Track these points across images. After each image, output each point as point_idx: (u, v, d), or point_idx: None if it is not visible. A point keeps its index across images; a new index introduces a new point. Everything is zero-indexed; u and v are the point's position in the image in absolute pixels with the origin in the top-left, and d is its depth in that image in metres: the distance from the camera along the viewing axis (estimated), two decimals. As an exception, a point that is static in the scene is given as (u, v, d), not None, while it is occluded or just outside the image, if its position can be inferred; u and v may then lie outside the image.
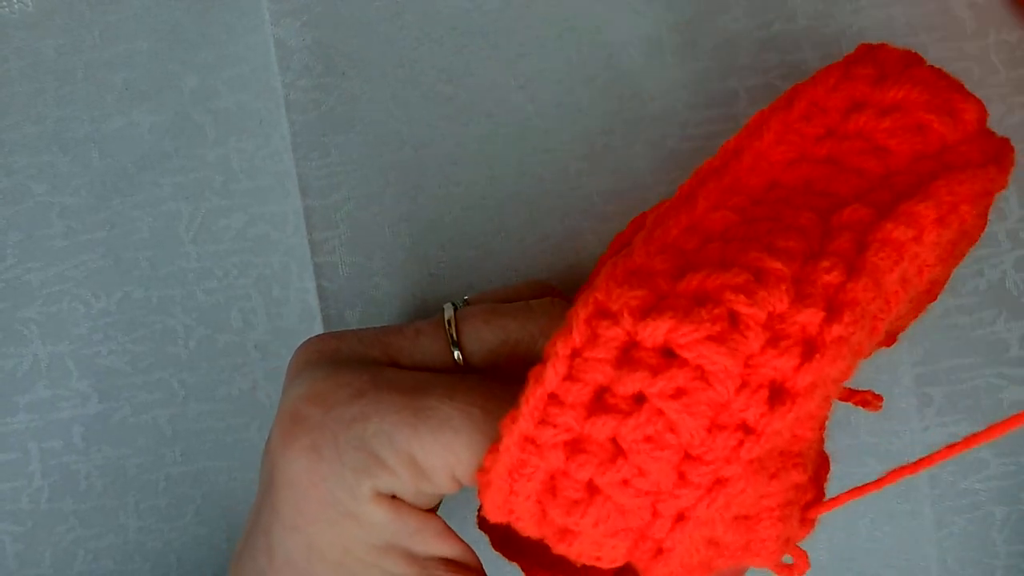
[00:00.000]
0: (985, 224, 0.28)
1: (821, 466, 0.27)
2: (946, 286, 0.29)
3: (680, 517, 0.23)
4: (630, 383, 0.22)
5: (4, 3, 0.36)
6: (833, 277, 0.22)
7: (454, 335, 0.27)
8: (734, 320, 0.21)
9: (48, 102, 0.36)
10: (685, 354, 0.21)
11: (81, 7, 0.36)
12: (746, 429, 0.21)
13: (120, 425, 0.36)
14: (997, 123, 0.34)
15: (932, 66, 0.27)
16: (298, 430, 0.25)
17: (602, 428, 0.22)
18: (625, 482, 0.22)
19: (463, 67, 0.35)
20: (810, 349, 0.21)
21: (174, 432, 0.36)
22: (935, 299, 0.29)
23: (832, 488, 0.29)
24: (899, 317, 0.27)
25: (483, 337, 0.27)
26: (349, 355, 0.27)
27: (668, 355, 0.22)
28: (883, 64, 0.26)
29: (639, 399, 0.22)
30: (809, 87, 0.26)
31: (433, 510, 0.27)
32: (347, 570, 0.25)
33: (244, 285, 0.35)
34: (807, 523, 0.25)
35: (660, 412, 0.21)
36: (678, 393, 0.21)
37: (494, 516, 0.24)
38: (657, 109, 0.34)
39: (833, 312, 0.21)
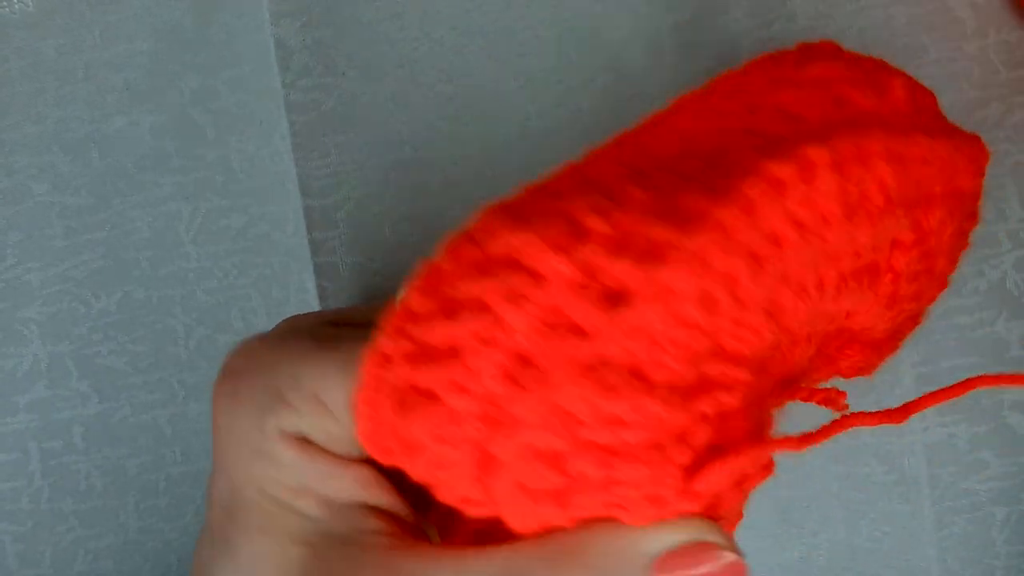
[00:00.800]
0: (964, 238, 0.27)
1: (760, 427, 0.24)
2: (947, 286, 0.29)
3: (513, 423, 0.22)
4: (475, 290, 0.22)
5: (4, 3, 0.36)
6: (696, 200, 0.21)
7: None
8: (578, 230, 0.21)
9: (48, 102, 0.36)
10: (525, 260, 0.21)
11: (81, 7, 0.36)
12: (579, 332, 0.21)
13: (120, 425, 0.36)
14: (997, 123, 0.34)
15: (863, 54, 0.27)
16: (224, 380, 0.25)
17: (443, 333, 0.22)
18: (460, 387, 0.22)
19: (463, 67, 0.35)
20: (654, 257, 0.21)
21: (174, 432, 0.36)
22: (917, 323, 0.29)
23: (831, 485, 0.29)
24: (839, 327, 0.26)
25: None
26: (303, 321, 0.27)
27: (513, 263, 0.22)
28: (810, 50, 0.26)
29: (481, 305, 0.22)
30: (733, 72, 0.26)
31: (370, 461, 0.26)
32: (263, 511, 0.24)
33: (244, 285, 0.35)
34: (689, 494, 0.22)
35: (496, 315, 0.21)
36: (511, 294, 0.21)
37: (375, 453, 0.23)
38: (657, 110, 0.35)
39: (687, 226, 0.21)
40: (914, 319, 0.29)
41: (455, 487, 0.24)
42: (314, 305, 0.35)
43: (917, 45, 0.34)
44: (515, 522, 0.24)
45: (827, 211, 0.22)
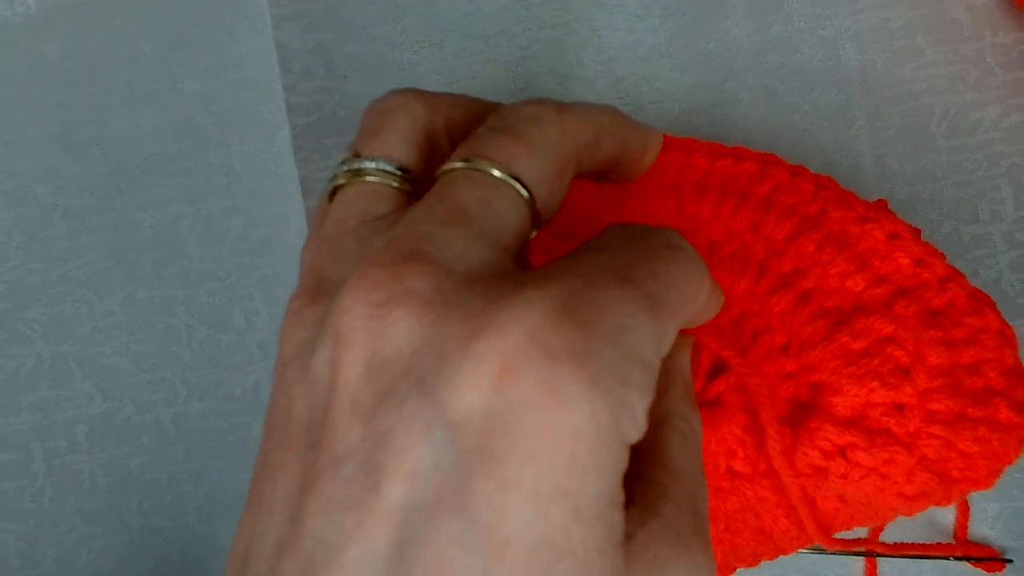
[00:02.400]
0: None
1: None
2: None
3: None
4: None
5: (8, 6, 0.36)
6: None
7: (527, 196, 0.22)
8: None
9: (52, 104, 0.36)
10: None
11: (84, 11, 0.36)
12: None
13: (123, 425, 0.36)
14: (993, 125, 0.34)
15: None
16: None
17: None
18: None
19: (463, 70, 0.35)
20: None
21: (177, 431, 0.36)
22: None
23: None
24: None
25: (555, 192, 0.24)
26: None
27: None
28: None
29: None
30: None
31: None
32: (606, 522, 0.19)
33: (246, 286, 0.36)
34: None
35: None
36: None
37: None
38: (656, 112, 0.35)
39: None
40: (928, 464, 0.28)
41: None
42: (315, 306, 0.35)
43: (914, 48, 0.34)
44: None
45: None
